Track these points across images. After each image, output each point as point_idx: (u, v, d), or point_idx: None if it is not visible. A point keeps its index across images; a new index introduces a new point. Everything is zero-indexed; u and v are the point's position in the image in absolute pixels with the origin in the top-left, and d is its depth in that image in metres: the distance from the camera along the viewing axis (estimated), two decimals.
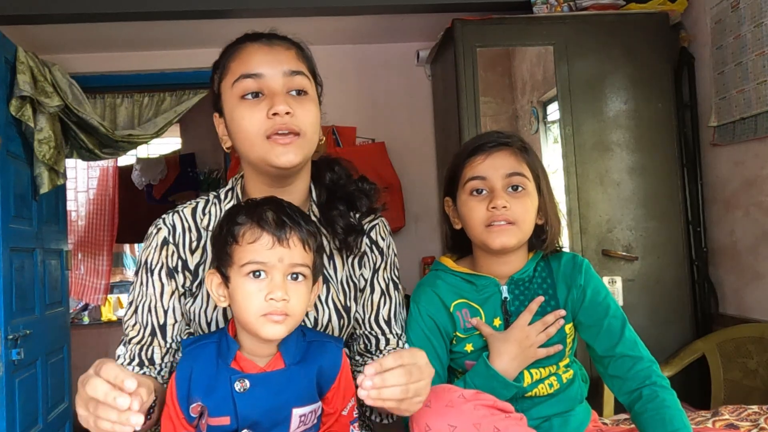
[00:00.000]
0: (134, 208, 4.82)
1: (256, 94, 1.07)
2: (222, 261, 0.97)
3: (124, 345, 1.11)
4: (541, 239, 1.24)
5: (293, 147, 1.05)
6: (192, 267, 1.13)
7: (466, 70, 2.45)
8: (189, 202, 1.19)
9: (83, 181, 4.95)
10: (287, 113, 1.04)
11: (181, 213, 1.16)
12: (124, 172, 4.86)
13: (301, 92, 1.09)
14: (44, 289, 2.79)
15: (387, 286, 1.21)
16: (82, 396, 0.82)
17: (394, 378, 0.87)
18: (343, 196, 1.20)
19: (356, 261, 1.20)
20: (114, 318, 4.85)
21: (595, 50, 2.47)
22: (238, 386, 0.94)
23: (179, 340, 1.12)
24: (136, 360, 1.09)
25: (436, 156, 3.25)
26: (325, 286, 1.15)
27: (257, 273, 0.94)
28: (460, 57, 2.45)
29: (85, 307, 4.81)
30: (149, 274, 1.13)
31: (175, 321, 1.12)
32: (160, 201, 4.69)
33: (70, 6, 2.54)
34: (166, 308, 1.12)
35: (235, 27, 3.08)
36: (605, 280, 2.38)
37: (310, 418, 0.99)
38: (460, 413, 0.96)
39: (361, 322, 1.19)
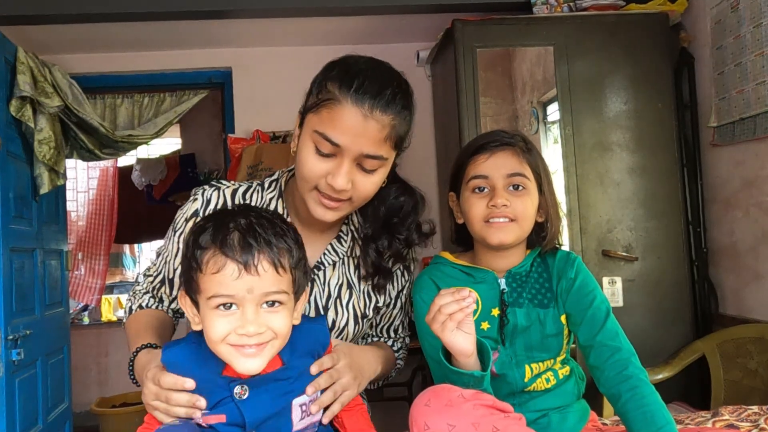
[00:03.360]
0: (134, 209, 4.82)
1: (327, 154, 1.03)
2: (189, 286, 0.91)
3: (144, 276, 1.23)
4: (541, 236, 1.27)
5: (336, 211, 1.07)
6: None
7: (466, 70, 2.45)
8: (233, 183, 1.20)
9: (83, 181, 4.95)
10: (343, 189, 1.03)
11: (221, 190, 1.18)
12: (124, 173, 4.86)
13: (370, 170, 1.06)
14: (44, 290, 2.79)
15: (405, 301, 1.30)
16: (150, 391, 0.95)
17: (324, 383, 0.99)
18: (385, 235, 1.19)
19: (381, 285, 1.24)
20: (114, 318, 4.84)
21: (595, 50, 2.47)
22: (237, 392, 0.91)
23: None
24: (150, 293, 1.23)
25: (436, 156, 3.25)
26: (348, 291, 1.18)
27: (227, 305, 0.87)
28: (460, 57, 2.45)
29: (85, 308, 4.80)
30: (174, 233, 1.18)
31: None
32: (160, 201, 4.69)
33: (70, 6, 2.54)
34: (175, 267, 1.17)
35: (235, 27, 3.10)
36: (605, 280, 2.38)
37: (310, 408, 0.98)
38: (459, 412, 0.96)
39: (375, 326, 1.28)
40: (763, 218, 2.17)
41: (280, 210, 1.17)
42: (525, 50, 2.68)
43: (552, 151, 2.60)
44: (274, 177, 1.22)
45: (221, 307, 0.87)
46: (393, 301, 1.27)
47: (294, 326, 0.96)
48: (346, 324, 1.17)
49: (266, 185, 1.20)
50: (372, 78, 1.02)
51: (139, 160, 4.81)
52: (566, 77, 2.46)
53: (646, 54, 2.47)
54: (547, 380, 1.22)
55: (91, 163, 4.79)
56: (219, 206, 1.15)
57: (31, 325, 2.58)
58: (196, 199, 1.17)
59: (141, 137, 3.19)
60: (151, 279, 1.23)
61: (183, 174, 4.76)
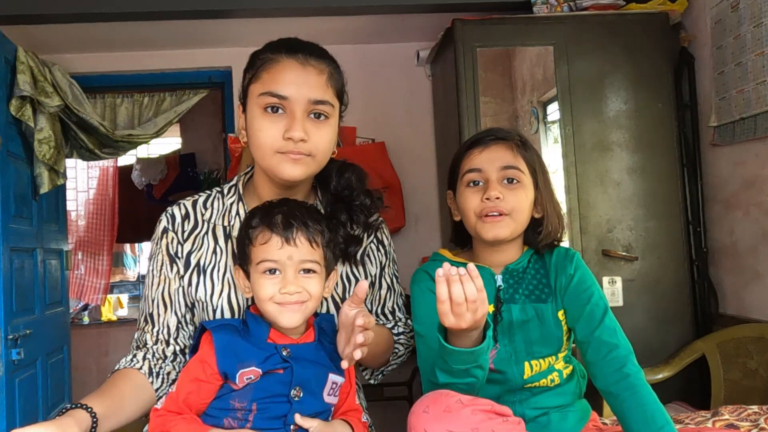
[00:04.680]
0: (134, 208, 4.82)
1: (276, 109, 1.11)
2: (243, 260, 1.10)
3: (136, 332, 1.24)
4: (537, 231, 1.27)
5: (302, 164, 1.12)
6: (184, 254, 1.19)
7: (466, 70, 2.45)
8: (193, 196, 1.26)
9: (83, 181, 4.95)
10: (302, 140, 1.10)
11: (182, 204, 1.24)
12: (124, 172, 4.86)
13: (321, 116, 1.13)
14: (44, 289, 2.79)
15: (391, 281, 1.33)
16: None
17: None
18: (343, 209, 1.25)
19: (358, 257, 1.27)
20: (114, 318, 4.85)
21: (595, 50, 2.47)
22: (284, 352, 1.05)
23: (166, 330, 1.18)
24: (134, 344, 1.21)
25: (436, 156, 3.25)
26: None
27: (272, 270, 1.05)
28: (460, 57, 2.45)
29: (85, 307, 4.81)
30: (149, 266, 1.23)
31: (160, 313, 1.19)
32: (160, 201, 4.69)
33: (70, 6, 2.54)
34: (153, 298, 1.19)
35: (235, 27, 3.10)
36: (605, 280, 2.38)
37: (336, 391, 1.10)
38: (458, 418, 0.97)
39: (370, 311, 1.29)
40: (763, 218, 2.17)
41: (242, 213, 1.21)
42: (525, 50, 2.68)
43: (552, 151, 2.60)
44: (233, 182, 1.26)
45: (268, 272, 1.05)
46: (377, 281, 1.29)
47: (320, 314, 1.14)
48: (327, 311, 1.20)
49: (225, 191, 1.25)
50: (301, 41, 1.16)
51: (139, 160, 4.81)
52: (566, 77, 2.46)
53: (646, 54, 2.47)
54: (552, 381, 1.21)
55: (91, 163, 4.80)
56: (183, 216, 1.21)
57: (31, 325, 2.58)
58: (160, 221, 1.23)
59: (141, 137, 3.19)
60: (138, 326, 1.22)
61: (183, 173, 4.77)
